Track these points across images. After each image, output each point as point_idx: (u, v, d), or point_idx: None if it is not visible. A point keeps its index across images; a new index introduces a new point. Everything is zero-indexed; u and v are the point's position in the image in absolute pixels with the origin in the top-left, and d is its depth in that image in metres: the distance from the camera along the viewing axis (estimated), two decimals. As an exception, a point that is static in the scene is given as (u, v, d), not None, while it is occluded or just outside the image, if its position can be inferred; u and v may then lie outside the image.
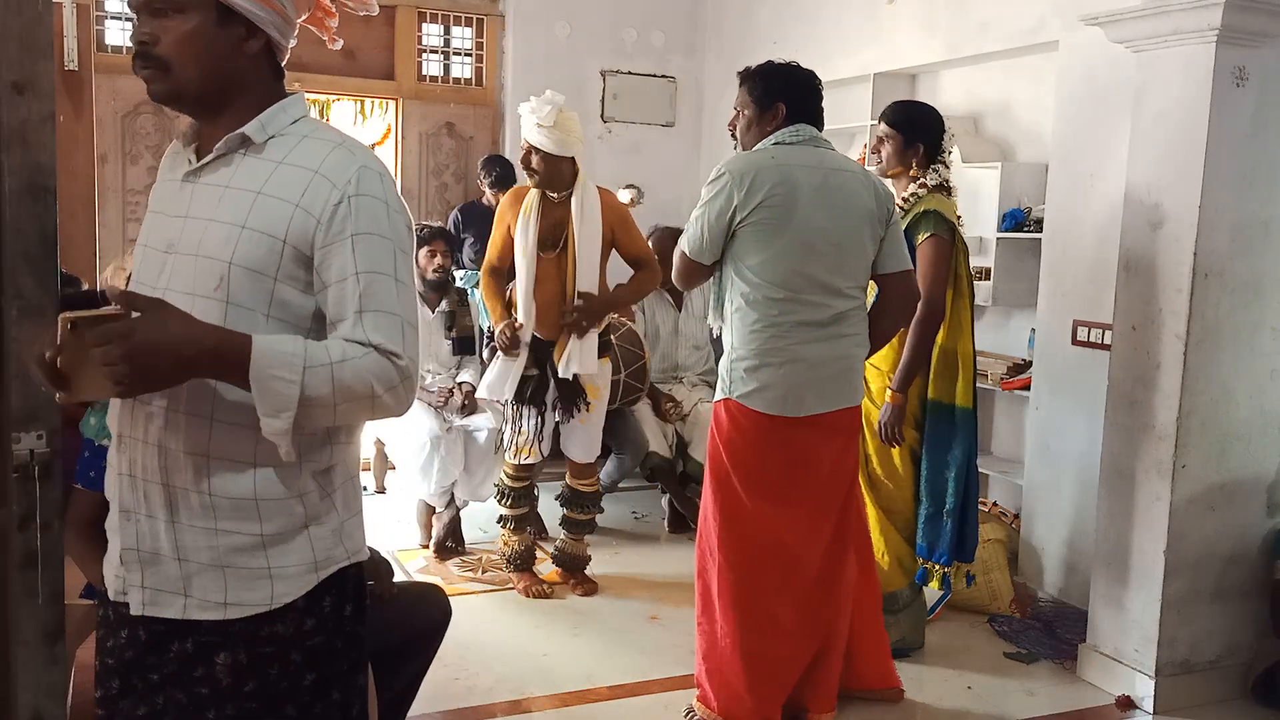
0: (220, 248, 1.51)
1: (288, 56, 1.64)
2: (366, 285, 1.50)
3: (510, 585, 4.16)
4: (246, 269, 1.50)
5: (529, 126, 3.87)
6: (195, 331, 1.41)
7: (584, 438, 4.11)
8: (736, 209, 2.85)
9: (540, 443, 4.04)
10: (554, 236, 3.93)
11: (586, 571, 4.24)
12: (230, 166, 1.56)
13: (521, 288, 3.95)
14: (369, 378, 1.47)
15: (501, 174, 5.66)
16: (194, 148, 1.62)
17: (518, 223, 3.94)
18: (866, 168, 3.26)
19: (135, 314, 1.38)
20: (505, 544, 4.21)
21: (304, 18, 1.65)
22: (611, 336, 4.44)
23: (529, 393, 3.97)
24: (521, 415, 4.02)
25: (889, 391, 3.39)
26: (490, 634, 3.71)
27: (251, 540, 1.54)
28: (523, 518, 4.20)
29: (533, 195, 3.95)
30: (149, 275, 1.59)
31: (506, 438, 4.11)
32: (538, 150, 3.86)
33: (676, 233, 5.07)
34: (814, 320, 2.89)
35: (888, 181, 3.31)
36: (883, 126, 3.54)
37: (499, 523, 4.22)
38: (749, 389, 2.92)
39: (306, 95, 1.68)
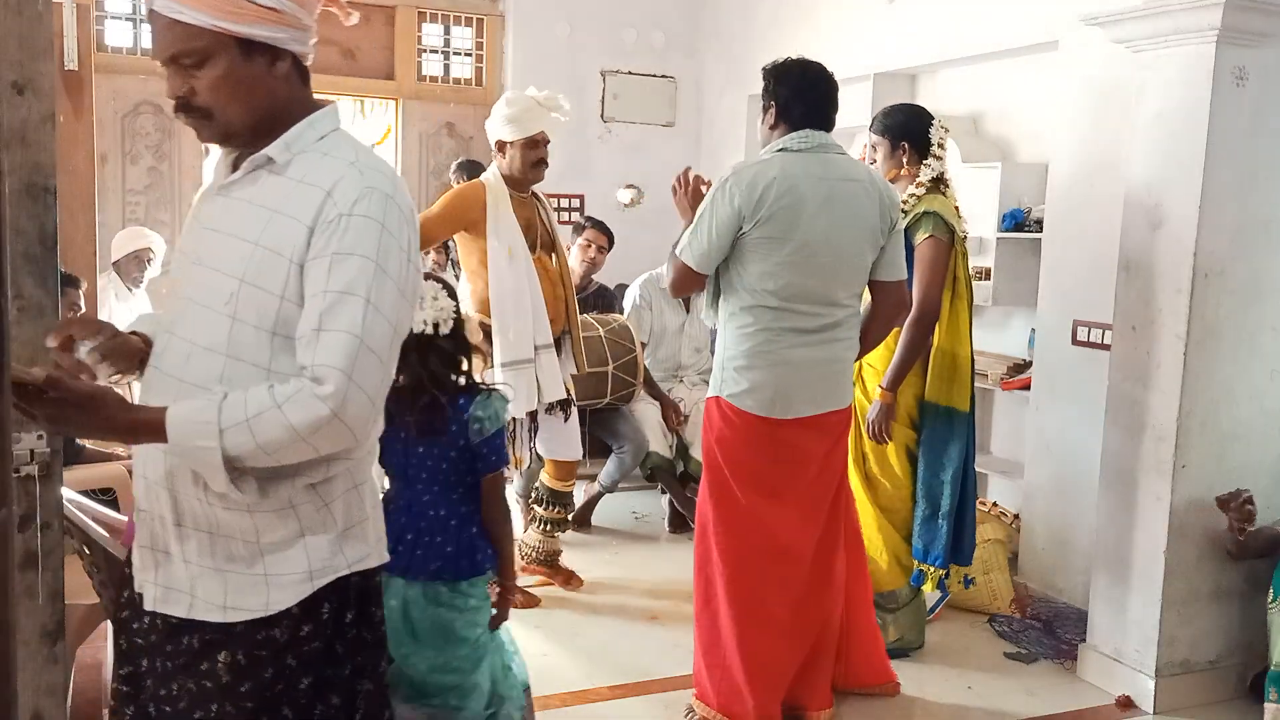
0: (234, 264, 1.53)
1: (312, 57, 1.64)
2: (332, 304, 1.47)
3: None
4: (256, 287, 1.51)
5: (545, 117, 3.73)
6: (110, 421, 1.46)
7: (568, 436, 4.06)
8: (744, 219, 2.82)
9: (531, 450, 3.92)
10: (530, 237, 3.78)
11: (563, 564, 4.19)
12: (257, 184, 1.57)
13: (513, 289, 3.67)
14: (288, 424, 1.44)
15: (472, 168, 5.28)
16: (232, 159, 1.63)
17: (488, 223, 3.67)
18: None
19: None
20: (542, 543, 4.13)
21: (318, 11, 1.64)
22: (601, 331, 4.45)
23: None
24: (520, 425, 3.81)
25: (879, 389, 3.40)
26: (490, 634, 3.70)
27: (248, 548, 1.56)
28: (561, 522, 4.17)
29: (502, 193, 3.73)
30: (178, 284, 1.62)
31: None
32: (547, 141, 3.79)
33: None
34: (807, 327, 2.90)
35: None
36: (871, 137, 3.57)
37: (538, 525, 4.15)
38: (739, 389, 2.93)
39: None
